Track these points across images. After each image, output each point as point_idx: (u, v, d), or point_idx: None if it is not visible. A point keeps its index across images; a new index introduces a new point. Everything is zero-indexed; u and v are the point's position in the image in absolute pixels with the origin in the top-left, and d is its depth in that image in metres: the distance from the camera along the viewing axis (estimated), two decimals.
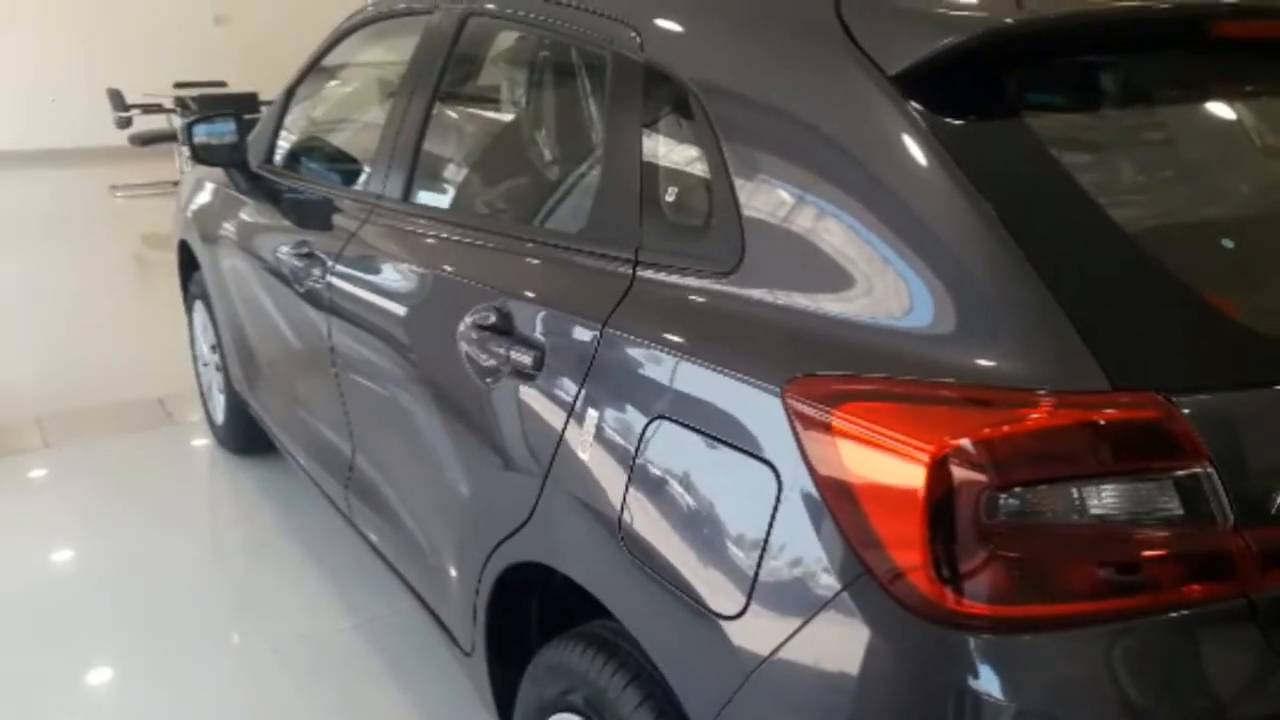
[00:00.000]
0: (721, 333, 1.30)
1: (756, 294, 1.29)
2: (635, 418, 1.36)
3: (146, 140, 7.57)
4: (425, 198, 2.23)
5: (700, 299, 1.36)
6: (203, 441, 3.88)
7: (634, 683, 1.43)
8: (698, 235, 1.41)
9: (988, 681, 1.04)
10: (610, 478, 1.39)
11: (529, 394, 1.59)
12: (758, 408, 1.19)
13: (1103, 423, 1.05)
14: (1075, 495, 1.05)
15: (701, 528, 1.25)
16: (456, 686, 2.40)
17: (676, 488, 1.29)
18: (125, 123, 7.68)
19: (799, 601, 1.13)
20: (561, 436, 1.50)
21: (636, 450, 1.35)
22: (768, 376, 1.19)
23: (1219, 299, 1.16)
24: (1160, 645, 1.07)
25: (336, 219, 2.46)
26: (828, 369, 1.16)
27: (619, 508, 1.37)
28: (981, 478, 1.04)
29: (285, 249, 2.58)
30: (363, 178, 2.47)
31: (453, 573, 1.92)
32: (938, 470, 1.04)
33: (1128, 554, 1.06)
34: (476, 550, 1.77)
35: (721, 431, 1.24)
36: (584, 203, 1.68)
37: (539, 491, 1.55)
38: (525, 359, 1.58)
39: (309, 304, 2.45)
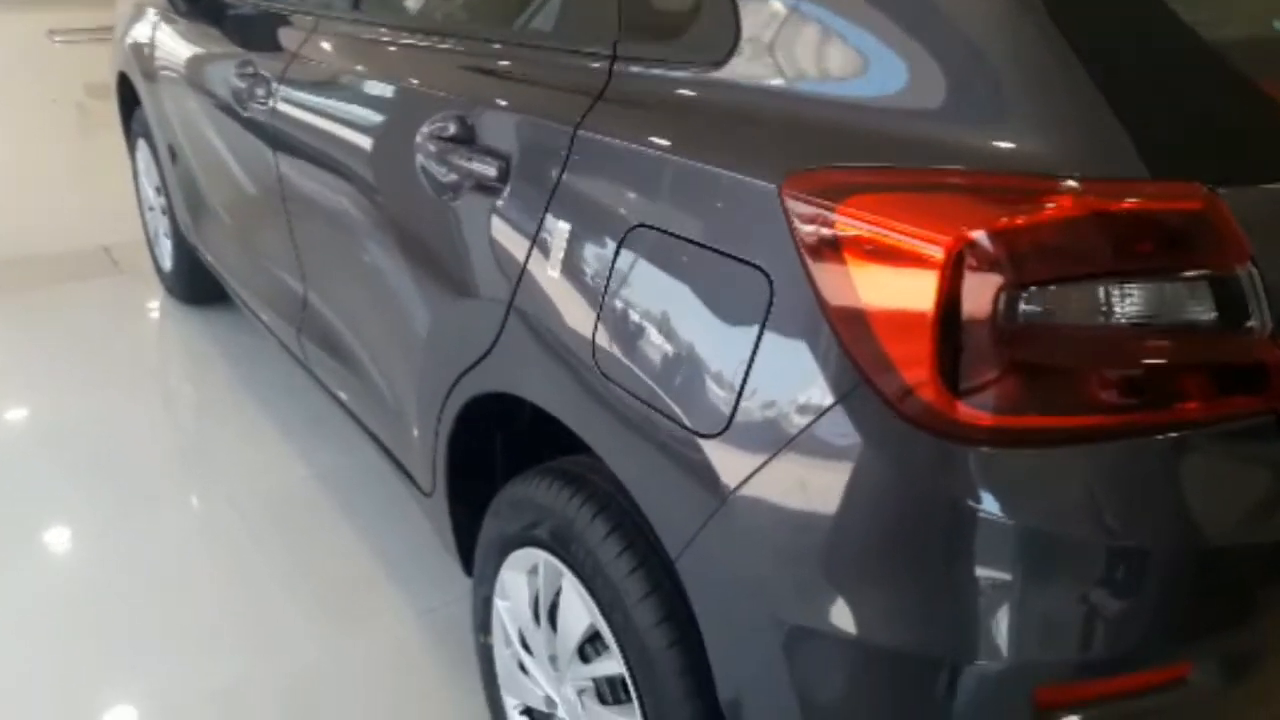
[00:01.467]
0: (711, 129, 1.16)
1: (751, 83, 1.15)
2: (611, 228, 1.23)
3: None
4: (375, 5, 2.03)
5: (687, 93, 1.22)
6: (151, 290, 3.71)
7: (603, 514, 1.33)
8: (685, 23, 1.26)
9: (996, 498, 0.94)
10: (583, 295, 1.27)
11: (492, 209, 1.44)
12: (751, 207, 1.07)
13: (1139, 214, 0.94)
14: (1102, 296, 0.94)
15: (682, 342, 1.14)
16: (416, 532, 2.33)
17: (656, 301, 1.17)
18: None
19: (787, 416, 1.03)
20: (528, 253, 1.36)
21: (612, 263, 1.22)
22: (763, 172, 1.06)
23: (1274, 86, 1.04)
24: (1180, 463, 0.98)
25: (282, 35, 2.25)
26: (830, 161, 1.03)
27: (592, 327, 1.24)
28: (1001, 274, 0.92)
29: (228, 73, 2.38)
30: None
31: (412, 410, 1.81)
32: (953, 266, 0.92)
33: (1155, 363, 0.96)
34: (437, 384, 1.65)
35: (708, 237, 1.11)
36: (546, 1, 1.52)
37: (504, 316, 1.43)
38: (488, 170, 1.43)
39: (254, 129, 2.26)
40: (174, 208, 3.21)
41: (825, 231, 0.99)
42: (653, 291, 1.17)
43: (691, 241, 1.12)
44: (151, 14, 3.10)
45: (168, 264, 3.52)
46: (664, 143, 1.19)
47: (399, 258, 1.73)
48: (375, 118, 1.80)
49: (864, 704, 1.06)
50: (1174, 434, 0.96)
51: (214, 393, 3.05)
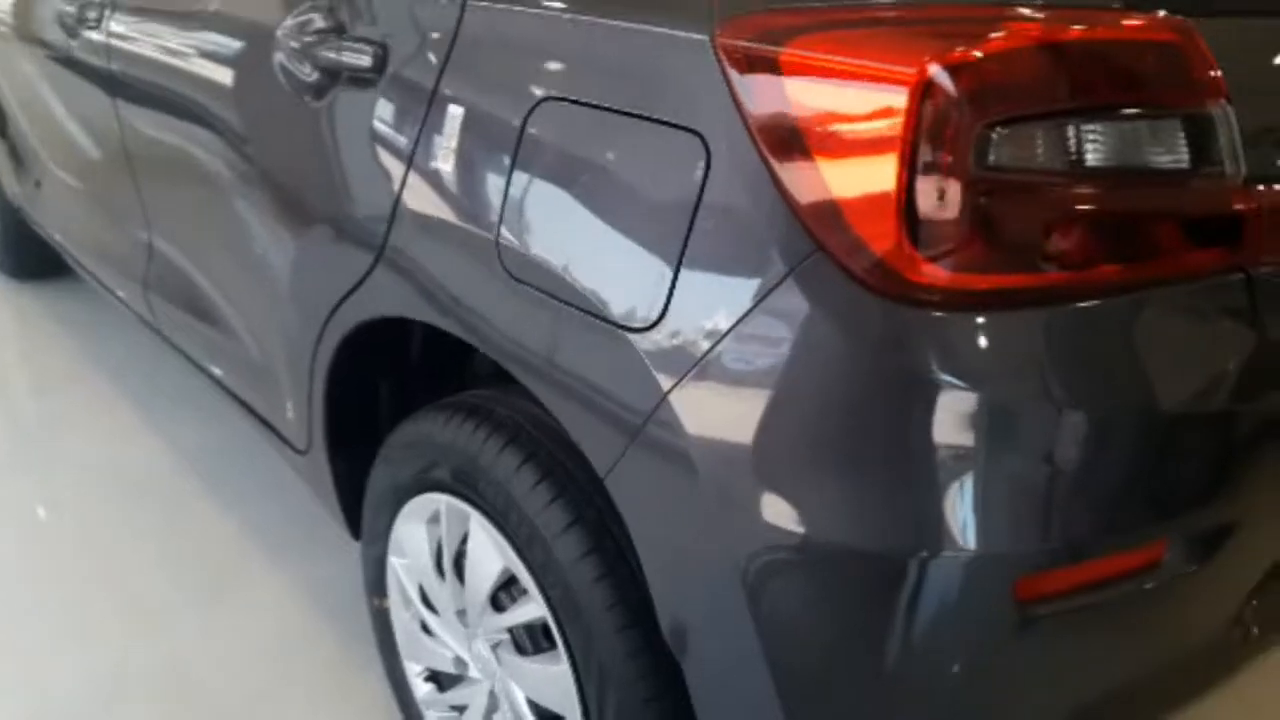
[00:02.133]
0: None
1: None
2: (513, 105, 1.07)
3: None
4: None
5: None
6: None
7: (513, 444, 1.18)
8: None
9: (960, 367, 0.85)
10: (482, 189, 1.11)
11: (368, 104, 1.27)
12: (679, 64, 0.94)
13: (1110, 44, 0.85)
14: (1071, 137, 0.84)
15: (604, 227, 1.00)
16: (293, 502, 2.13)
17: (571, 184, 1.02)
18: None
19: (729, 298, 0.90)
20: (413, 150, 1.20)
21: (516, 146, 1.06)
22: (690, 22, 0.93)
23: None
24: (1149, 325, 0.90)
25: None
26: (766, 4, 0.91)
27: (496, 223, 1.09)
28: (968, 113, 0.82)
29: (53, 6, 2.11)
30: None
31: (280, 357, 1.61)
32: (916, 106, 0.81)
33: (1122, 212, 0.87)
34: (308, 320, 1.46)
35: (630, 102, 0.97)
36: None
37: (386, 226, 1.26)
38: (362, 60, 1.26)
39: (86, 65, 2.01)
40: None
41: (768, 82, 0.87)
42: (567, 173, 1.03)
43: (611, 110, 0.98)
44: None
45: None
46: (569, 2, 1.04)
47: (256, 182, 1.54)
48: (222, 23, 1.59)
49: (826, 614, 0.94)
50: (1142, 293, 0.88)
51: (60, 372, 2.75)
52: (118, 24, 1.86)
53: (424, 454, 1.32)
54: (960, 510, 0.87)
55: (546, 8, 1.06)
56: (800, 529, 0.91)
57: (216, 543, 2.07)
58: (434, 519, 1.36)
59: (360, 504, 1.54)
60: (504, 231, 1.08)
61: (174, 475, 2.29)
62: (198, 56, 1.65)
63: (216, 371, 1.91)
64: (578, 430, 1.07)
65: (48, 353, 2.84)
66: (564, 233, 1.03)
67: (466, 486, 1.25)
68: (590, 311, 1.00)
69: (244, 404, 1.84)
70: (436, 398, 1.37)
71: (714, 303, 0.91)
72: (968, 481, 0.87)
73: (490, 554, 1.23)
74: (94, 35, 1.94)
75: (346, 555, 1.96)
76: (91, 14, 1.94)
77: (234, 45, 1.55)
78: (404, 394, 1.53)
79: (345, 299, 1.37)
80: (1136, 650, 1.01)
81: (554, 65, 1.05)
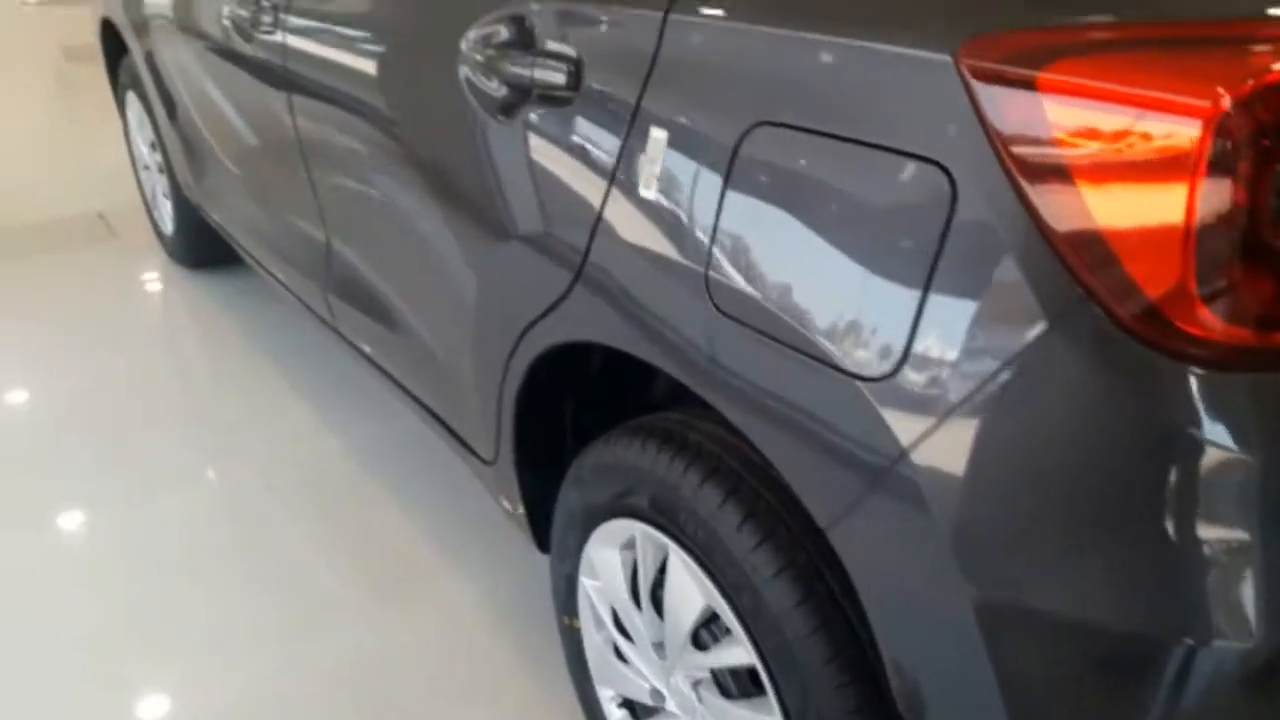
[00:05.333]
0: None
1: None
2: (723, 129, 1.01)
3: None
4: None
5: None
6: (153, 256, 3.48)
7: (714, 477, 1.13)
8: None
9: (1250, 430, 0.76)
10: (690, 217, 1.05)
11: (563, 122, 1.22)
12: (915, 87, 0.85)
13: None
14: None
15: (830, 264, 0.92)
16: (470, 503, 2.14)
17: (791, 215, 0.95)
18: None
19: (980, 347, 0.82)
20: (613, 173, 1.15)
21: (728, 173, 1.00)
22: (928, 39, 0.84)
23: None
24: None
25: None
26: (1015, 18, 0.82)
27: (705, 255, 1.03)
28: (1269, 147, 0.71)
29: (226, 5, 2.14)
30: None
31: (467, 370, 1.60)
32: (1210, 137, 0.71)
33: None
34: (499, 338, 1.44)
35: (858, 129, 0.89)
36: None
37: (584, 251, 1.21)
38: (555, 78, 1.21)
39: (261, 65, 2.03)
40: (172, 164, 2.97)
41: (1026, 108, 0.78)
42: (786, 204, 0.95)
43: (836, 137, 0.90)
44: None
45: (169, 227, 3.29)
46: (785, 17, 0.96)
47: (442, 193, 1.51)
48: (403, 31, 1.56)
49: (1079, 691, 0.87)
50: None
51: (231, 361, 2.84)
52: (293, 29, 1.86)
53: (619, 479, 1.28)
54: (1238, 596, 0.78)
55: (759, 24, 0.98)
56: (1051, 597, 0.84)
57: (394, 545, 2.09)
58: (628, 545, 1.32)
59: (547, 516, 1.53)
60: (713, 263, 1.02)
61: (350, 473, 2.33)
62: (376, 64, 1.64)
63: (398, 376, 1.92)
64: (797, 479, 1.00)
65: (222, 345, 2.93)
66: (783, 270, 0.96)
67: (665, 517, 1.21)
68: (814, 356, 0.93)
69: (427, 409, 1.84)
70: (618, 414, 1.34)
71: (961, 350, 0.83)
72: (1247, 565, 0.77)
73: (691, 590, 1.19)
74: (269, 38, 1.95)
75: (528, 562, 1.96)
76: (266, 18, 1.95)
77: (413, 55, 1.52)
78: (587, 409, 1.50)
79: (538, 321, 1.34)
80: None
81: (769, 86, 0.97)
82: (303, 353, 2.82)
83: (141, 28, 2.80)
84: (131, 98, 3.20)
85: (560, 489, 1.45)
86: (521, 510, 1.59)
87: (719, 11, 1.03)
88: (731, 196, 1.00)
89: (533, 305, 1.34)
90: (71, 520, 2.21)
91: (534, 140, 1.27)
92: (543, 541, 1.61)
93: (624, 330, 1.19)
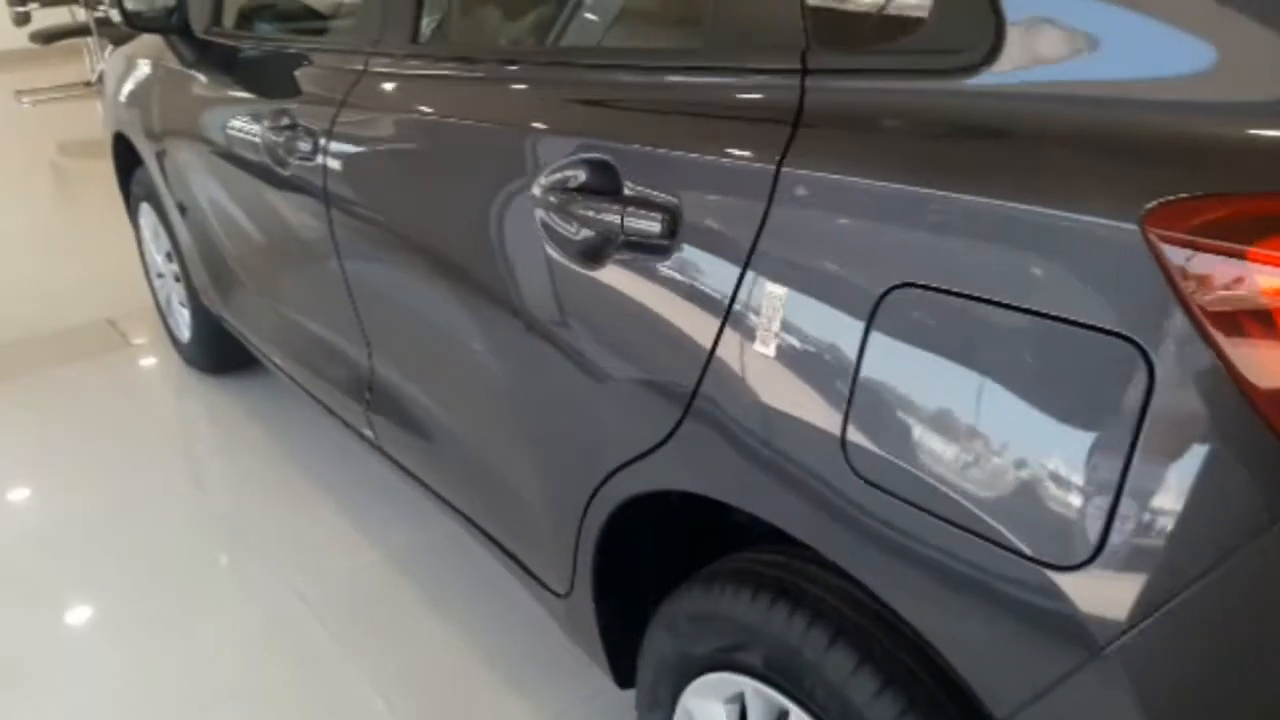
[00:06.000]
0: (996, 151, 0.90)
1: (1041, 89, 0.89)
2: (859, 288, 0.96)
3: (50, 37, 6.84)
4: (445, 34, 1.77)
5: (937, 109, 0.95)
6: (168, 363, 3.42)
7: (841, 639, 1.08)
8: (907, 18, 1.00)
9: None
10: (819, 376, 1.01)
11: (659, 271, 1.18)
12: (1094, 255, 0.80)
13: None
14: None
15: (1004, 439, 0.87)
16: (520, 617, 2.07)
17: (948, 385, 0.90)
18: (23, 19, 6.91)
19: (1190, 533, 0.77)
20: (722, 325, 1.10)
21: (865, 336, 0.96)
22: (1107, 204, 0.80)
23: None
24: None
25: (322, 81, 1.98)
26: (1206, 182, 0.77)
27: (841, 417, 0.98)
28: None
29: (258, 127, 2.11)
30: (348, 24, 1.99)
31: (538, 503, 1.55)
32: None
33: None
34: (581, 478, 1.39)
35: (1025, 297, 0.85)
36: (701, 4, 1.26)
37: (687, 400, 1.16)
38: (649, 226, 1.17)
39: (298, 189, 1.99)
40: (191, 274, 2.92)
41: (1236, 285, 0.74)
42: (940, 372, 0.91)
43: (999, 304, 0.86)
44: (147, 66, 2.82)
45: (185, 333, 3.23)
46: (931, 176, 0.92)
47: (514, 329, 1.47)
48: (466, 169, 1.53)
49: None
50: None
51: (256, 470, 2.77)
52: (337, 156, 1.83)
53: (724, 633, 1.22)
54: None
55: (897, 182, 0.94)
56: None
57: (443, 663, 2.02)
58: (734, 699, 1.26)
59: (622, 647, 1.47)
60: (851, 425, 0.98)
61: (390, 585, 2.26)
62: (438, 201, 1.60)
63: (455, 500, 1.86)
64: (965, 665, 0.94)
65: (244, 453, 2.86)
66: (942, 442, 0.91)
67: (784, 678, 1.15)
68: (988, 538, 0.88)
69: (487, 534, 1.78)
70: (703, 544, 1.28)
71: (1168, 539, 0.78)
72: None
73: None
74: (308, 163, 1.91)
75: (588, 685, 1.89)
76: (303, 144, 1.91)
77: (480, 195, 1.49)
78: (669, 538, 1.45)
79: (628, 465, 1.29)
80: None
81: (911, 246, 0.93)
82: (332, 458, 2.75)
83: (158, 142, 2.77)
84: (146, 208, 3.16)
85: (647, 631, 1.39)
86: (600, 647, 1.53)
87: (843, 167, 0.99)
88: (872, 358, 0.95)
89: (622, 449, 1.29)
90: (93, 647, 2.11)
91: (627, 285, 1.23)
92: (620, 675, 1.55)
93: (732, 484, 1.14)
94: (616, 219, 1.21)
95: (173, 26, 2.49)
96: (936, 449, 0.91)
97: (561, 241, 1.31)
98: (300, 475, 2.72)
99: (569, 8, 1.61)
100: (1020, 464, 0.85)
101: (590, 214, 1.25)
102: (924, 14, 0.97)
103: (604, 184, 1.24)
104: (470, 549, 2.21)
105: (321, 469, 2.73)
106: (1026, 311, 0.84)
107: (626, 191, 1.21)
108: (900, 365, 0.94)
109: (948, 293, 0.89)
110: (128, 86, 2.95)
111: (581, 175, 1.27)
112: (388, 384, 1.95)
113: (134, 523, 2.54)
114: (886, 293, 0.94)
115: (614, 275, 1.24)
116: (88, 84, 7.37)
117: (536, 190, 1.34)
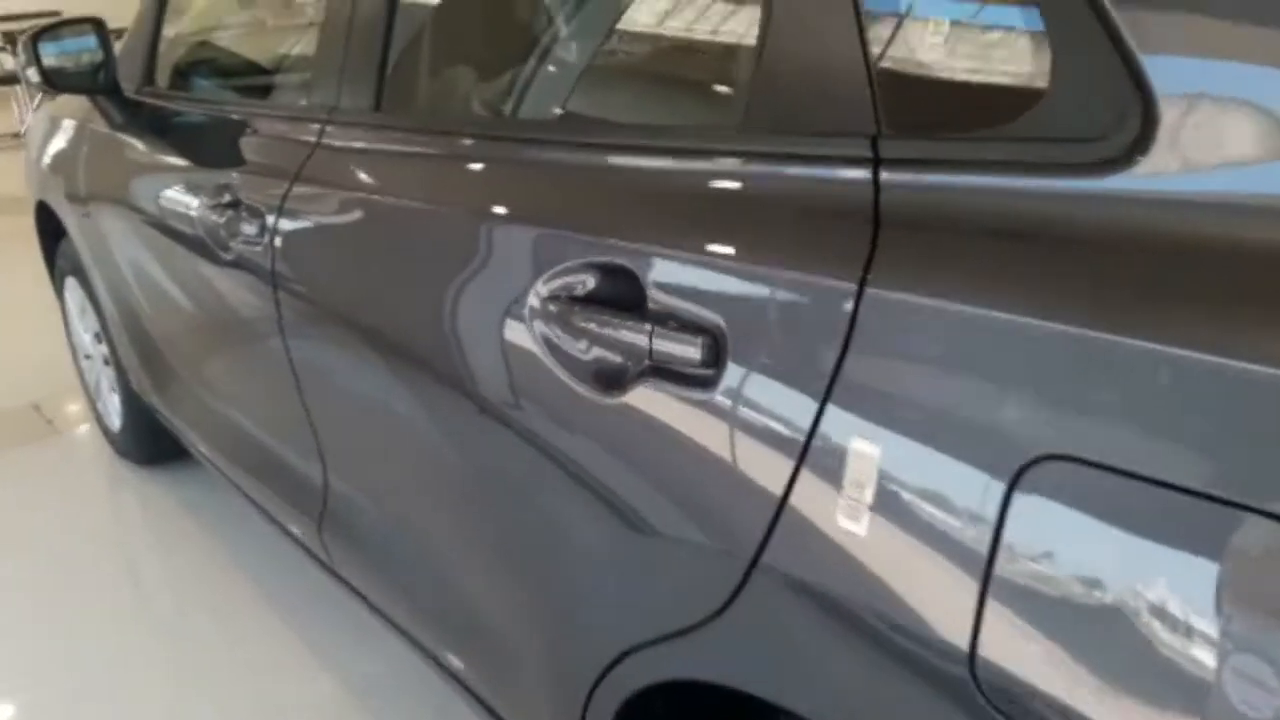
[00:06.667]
0: (1180, 284, 0.67)
1: (1200, 196, 0.67)
2: (989, 455, 0.72)
3: None
4: (415, 99, 1.52)
5: (1073, 217, 0.72)
6: (98, 452, 3.10)
7: None
8: (1019, 96, 0.78)
9: None
10: (933, 572, 0.76)
11: (702, 405, 0.93)
12: None
13: None
14: None
15: (1204, 667, 0.63)
16: None
17: (1121, 589, 0.66)
18: None
19: None
20: (790, 481, 0.85)
21: (1001, 518, 0.71)
22: None
23: None
24: None
25: (270, 151, 1.73)
26: None
27: (968, 627, 0.73)
28: None
29: (196, 201, 1.84)
30: (300, 81, 1.74)
31: (531, 672, 1.28)
32: None
33: None
34: (592, 651, 1.12)
35: (1243, 489, 0.60)
36: (737, 67, 1.02)
37: (743, 574, 0.91)
38: (685, 351, 0.92)
39: (242, 274, 1.72)
40: (121, 360, 2.63)
41: None
42: (1113, 572, 0.66)
43: (1196, 494, 0.62)
44: (72, 128, 2.53)
45: (116, 421, 2.92)
46: (1096, 313, 0.68)
47: (506, 457, 1.21)
48: (447, 266, 1.27)
49: None
50: None
51: (199, 577, 2.46)
52: (287, 242, 1.57)
53: None
54: None
55: (1039, 317, 0.70)
56: None
57: None
58: None
59: None
60: (984, 640, 0.73)
61: (344, 715, 1.97)
62: (406, 299, 1.34)
63: (428, 645, 1.58)
64: None
65: (186, 557, 2.55)
66: (1116, 672, 0.66)
67: None
68: None
69: (466, 688, 1.51)
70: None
71: None
72: None
73: None
74: (253, 246, 1.65)
75: None
76: (248, 226, 1.65)
77: (460, 297, 1.23)
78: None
79: (656, 643, 1.03)
80: None
81: (1067, 404, 0.69)
82: (278, 563, 2.45)
83: (84, 213, 2.48)
84: (72, 283, 2.86)
85: None
86: None
87: (961, 292, 0.75)
88: (1009, 556, 0.71)
89: (650, 624, 1.03)
90: None
91: (657, 419, 0.97)
92: None
93: (798, 690, 0.88)
94: (642, 340, 0.96)
95: (100, 86, 2.22)
96: (1107, 681, 0.66)
97: (569, 361, 1.06)
98: (245, 584, 2.41)
99: (567, 71, 1.37)
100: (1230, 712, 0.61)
101: (607, 332, 1.00)
102: (1034, 100, 0.75)
103: (622, 295, 0.99)
104: (429, 681, 1.93)
105: (266, 576, 2.42)
106: (1243, 508, 0.60)
107: (652, 306, 0.97)
108: (1050, 569, 0.69)
109: (1122, 473, 0.65)
110: (51, 150, 2.66)
111: (592, 282, 1.03)
112: (347, 504, 1.67)
113: (59, 639, 2.22)
114: (1031, 464, 0.70)
115: (640, 406, 0.99)
116: (16, 135, 7.03)
117: (534, 300, 1.09)
